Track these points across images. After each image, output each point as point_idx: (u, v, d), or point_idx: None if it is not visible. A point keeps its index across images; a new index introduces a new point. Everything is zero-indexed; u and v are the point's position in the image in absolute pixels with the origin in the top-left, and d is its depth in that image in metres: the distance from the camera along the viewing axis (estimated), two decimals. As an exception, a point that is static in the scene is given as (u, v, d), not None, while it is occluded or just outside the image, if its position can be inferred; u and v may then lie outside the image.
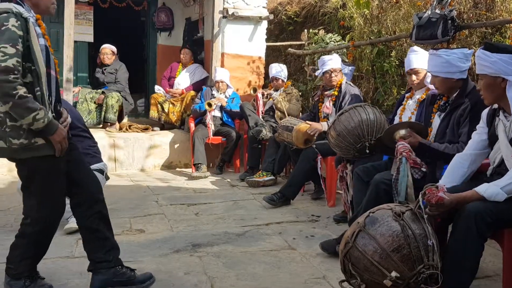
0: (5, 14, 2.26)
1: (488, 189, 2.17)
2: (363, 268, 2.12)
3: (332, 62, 4.55)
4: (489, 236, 2.23)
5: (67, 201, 3.15)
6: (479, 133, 2.51)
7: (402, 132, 2.93)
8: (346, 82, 4.59)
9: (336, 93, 4.55)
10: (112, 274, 2.56)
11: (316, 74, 5.42)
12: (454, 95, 2.96)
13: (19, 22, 2.27)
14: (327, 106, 4.61)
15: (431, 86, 3.45)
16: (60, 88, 2.91)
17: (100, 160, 3.70)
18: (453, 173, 2.50)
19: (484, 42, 2.39)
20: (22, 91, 2.23)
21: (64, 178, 2.50)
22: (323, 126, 4.45)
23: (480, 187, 2.20)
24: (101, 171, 3.65)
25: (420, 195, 2.20)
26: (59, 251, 3.12)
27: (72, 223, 3.48)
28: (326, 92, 4.68)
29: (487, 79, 2.31)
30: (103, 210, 2.65)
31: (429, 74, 3.45)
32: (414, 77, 3.52)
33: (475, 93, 2.86)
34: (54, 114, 2.40)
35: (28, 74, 2.31)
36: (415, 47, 3.59)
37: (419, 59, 3.47)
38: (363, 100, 4.56)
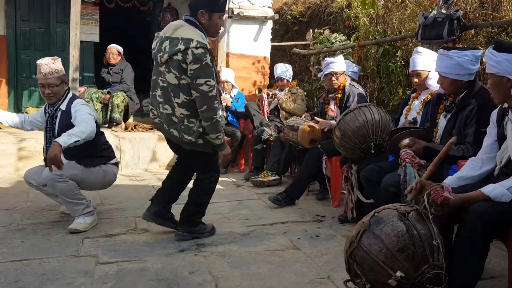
0: (202, 50, 2.97)
1: (494, 190, 2.16)
2: (368, 268, 2.12)
3: (335, 65, 4.51)
4: (495, 237, 2.22)
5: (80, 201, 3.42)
6: (489, 136, 2.49)
7: (406, 141, 2.94)
8: (349, 84, 4.57)
9: (340, 95, 4.54)
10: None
11: (318, 75, 5.42)
12: (461, 95, 2.94)
13: (210, 57, 3.02)
14: (332, 109, 4.59)
15: (433, 87, 3.44)
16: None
17: (115, 155, 3.89)
18: (462, 171, 2.48)
19: (495, 41, 2.36)
20: (218, 116, 3.09)
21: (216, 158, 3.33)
22: (332, 124, 4.42)
23: (486, 188, 2.19)
24: (117, 164, 3.88)
25: (425, 195, 2.19)
26: (64, 249, 3.13)
27: (76, 224, 3.50)
28: (330, 95, 4.66)
29: (494, 79, 2.30)
30: None
31: (430, 75, 3.45)
32: (415, 79, 3.53)
33: (482, 94, 2.85)
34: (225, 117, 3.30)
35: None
36: (420, 48, 3.57)
37: (422, 60, 3.46)
38: (368, 99, 4.54)
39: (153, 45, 3.18)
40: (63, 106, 3.60)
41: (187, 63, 2.98)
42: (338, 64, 4.53)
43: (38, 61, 3.57)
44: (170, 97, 3.08)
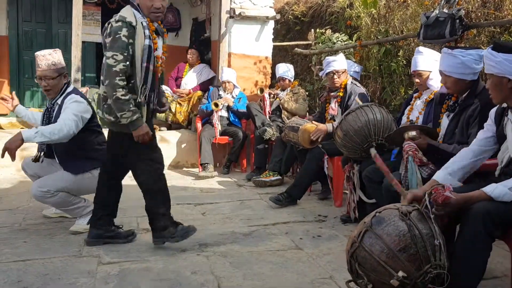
0: (119, 24, 2.89)
1: (496, 189, 2.16)
2: (370, 268, 2.11)
3: (336, 63, 4.52)
4: (497, 237, 2.21)
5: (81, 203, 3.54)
6: (485, 130, 2.50)
7: (412, 133, 2.93)
8: (351, 82, 4.57)
9: (341, 94, 4.54)
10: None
11: (320, 74, 5.42)
12: (464, 95, 2.94)
13: (129, 31, 2.89)
14: (333, 108, 4.59)
15: (434, 88, 3.44)
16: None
17: None
18: (453, 163, 2.48)
19: (493, 41, 2.36)
20: (119, 93, 2.87)
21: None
22: (328, 127, 4.43)
23: (487, 187, 2.18)
24: None
25: (426, 195, 2.19)
26: (67, 250, 3.14)
27: (77, 226, 3.51)
28: (332, 94, 4.66)
29: (494, 79, 2.29)
30: None
31: (431, 76, 3.44)
32: (416, 79, 3.53)
33: (485, 94, 2.83)
34: (146, 99, 3.04)
35: (131, 68, 2.93)
36: (421, 48, 3.57)
37: (423, 60, 3.45)
38: (370, 99, 4.54)
39: None
40: (59, 101, 3.48)
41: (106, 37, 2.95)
42: (339, 63, 4.54)
43: (37, 52, 3.46)
44: (101, 78, 3.01)
